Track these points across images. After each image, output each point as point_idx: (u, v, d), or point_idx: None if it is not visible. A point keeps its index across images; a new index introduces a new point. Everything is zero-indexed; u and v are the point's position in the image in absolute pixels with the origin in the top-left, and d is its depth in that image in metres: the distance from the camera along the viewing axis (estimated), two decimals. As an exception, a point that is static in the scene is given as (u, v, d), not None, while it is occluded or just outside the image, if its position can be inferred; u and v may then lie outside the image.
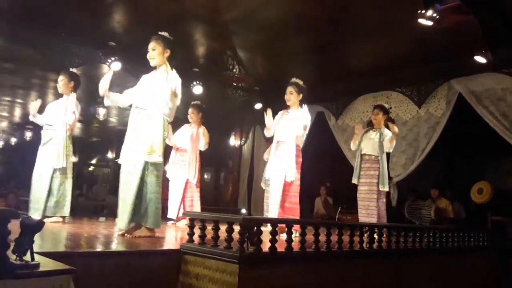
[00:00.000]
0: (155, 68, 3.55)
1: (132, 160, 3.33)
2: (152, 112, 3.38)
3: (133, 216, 3.26)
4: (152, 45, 3.50)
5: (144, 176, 3.29)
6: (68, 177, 4.49)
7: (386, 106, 5.77)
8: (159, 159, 3.32)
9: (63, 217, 4.49)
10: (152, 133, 3.34)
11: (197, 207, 5.39)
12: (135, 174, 3.28)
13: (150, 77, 3.58)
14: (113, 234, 3.38)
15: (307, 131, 4.44)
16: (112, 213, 3.40)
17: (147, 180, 3.30)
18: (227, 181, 9.44)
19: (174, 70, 3.53)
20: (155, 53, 3.48)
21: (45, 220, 4.10)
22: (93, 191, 12.14)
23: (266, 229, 2.63)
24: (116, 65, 6.10)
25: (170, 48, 3.52)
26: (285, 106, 4.64)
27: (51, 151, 4.41)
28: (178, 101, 3.45)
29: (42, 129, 4.63)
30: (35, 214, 4.21)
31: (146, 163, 3.30)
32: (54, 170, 4.39)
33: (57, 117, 4.51)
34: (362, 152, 5.06)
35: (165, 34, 3.56)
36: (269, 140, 4.79)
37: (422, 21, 4.48)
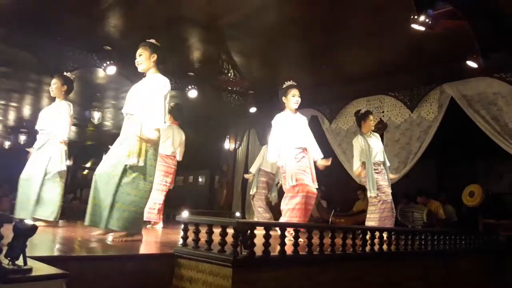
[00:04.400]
0: (144, 75, 3.59)
1: (112, 162, 3.32)
2: (137, 116, 3.38)
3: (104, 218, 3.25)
4: (139, 51, 3.55)
5: (121, 178, 3.25)
6: (59, 181, 4.45)
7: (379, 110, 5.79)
8: (138, 162, 3.26)
9: (49, 221, 4.36)
10: (135, 137, 3.31)
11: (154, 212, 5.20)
12: (114, 176, 3.26)
13: (139, 83, 3.61)
14: (107, 238, 3.38)
15: None
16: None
17: (122, 183, 3.26)
18: (222, 184, 9.45)
19: (160, 74, 3.53)
20: (142, 58, 3.53)
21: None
22: (82, 194, 12.09)
23: (260, 232, 2.65)
24: (111, 69, 6.14)
25: (157, 53, 3.54)
26: (279, 110, 4.66)
27: (44, 155, 4.39)
28: (159, 103, 3.36)
29: (37, 133, 4.61)
30: (21, 215, 4.16)
31: (125, 165, 3.26)
32: (46, 174, 4.34)
33: (50, 122, 4.50)
34: (375, 160, 4.93)
35: (152, 41, 3.60)
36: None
37: (415, 26, 4.52)
